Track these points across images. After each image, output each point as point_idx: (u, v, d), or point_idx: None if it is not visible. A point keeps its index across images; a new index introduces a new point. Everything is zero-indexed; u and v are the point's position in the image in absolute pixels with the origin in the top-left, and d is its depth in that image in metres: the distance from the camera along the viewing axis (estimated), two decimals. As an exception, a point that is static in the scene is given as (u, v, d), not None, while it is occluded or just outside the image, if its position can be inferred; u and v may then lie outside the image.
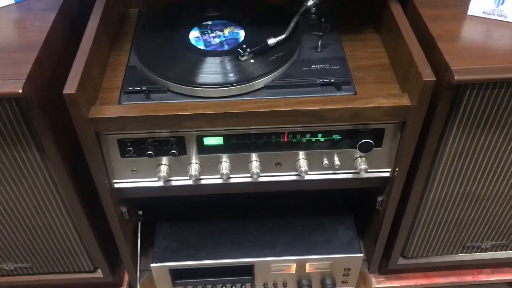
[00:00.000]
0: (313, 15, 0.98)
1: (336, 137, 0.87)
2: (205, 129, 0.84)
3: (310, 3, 0.95)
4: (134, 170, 0.89)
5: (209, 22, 0.96)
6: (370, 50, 0.96)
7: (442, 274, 1.20)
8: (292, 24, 0.92)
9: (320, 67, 0.89)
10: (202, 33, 0.94)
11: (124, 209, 0.99)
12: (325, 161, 0.91)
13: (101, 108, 0.80)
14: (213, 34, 0.94)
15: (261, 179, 0.92)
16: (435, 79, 0.75)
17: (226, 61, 0.87)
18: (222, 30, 0.94)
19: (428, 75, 0.75)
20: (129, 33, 1.00)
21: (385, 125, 0.86)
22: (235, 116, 0.80)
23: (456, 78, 0.73)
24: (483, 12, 0.85)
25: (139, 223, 1.12)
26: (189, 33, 0.93)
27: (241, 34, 0.94)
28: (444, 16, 0.86)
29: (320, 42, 0.93)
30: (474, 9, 0.85)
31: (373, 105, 0.81)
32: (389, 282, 1.19)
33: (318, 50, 0.93)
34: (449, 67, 0.75)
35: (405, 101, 0.81)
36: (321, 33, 0.92)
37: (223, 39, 0.92)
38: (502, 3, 0.83)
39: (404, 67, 0.84)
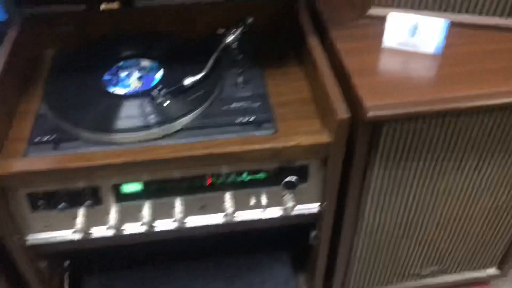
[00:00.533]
0: (235, 50, 0.96)
1: (261, 175, 0.85)
2: (122, 178, 0.80)
3: (230, 38, 0.94)
4: (48, 225, 0.83)
5: (125, 62, 0.93)
6: (293, 84, 0.94)
7: (385, 303, 1.18)
8: (211, 62, 0.90)
9: (241, 105, 0.86)
10: (116, 75, 0.90)
11: (44, 264, 0.93)
12: (252, 200, 0.88)
13: (2, 164, 0.75)
14: (128, 76, 0.90)
15: (186, 223, 0.88)
16: (349, 116, 0.73)
17: (140, 104, 0.83)
18: (138, 71, 0.91)
19: (342, 112, 0.74)
20: (42, 77, 0.95)
21: (308, 162, 0.84)
22: (150, 164, 0.77)
23: (368, 115, 0.72)
24: (397, 44, 0.85)
25: (67, 274, 1.06)
26: (102, 75, 0.89)
27: (159, 73, 0.90)
28: (360, 49, 0.86)
29: (241, 79, 0.91)
30: (389, 41, 0.85)
31: (293, 143, 0.79)
32: (332, 315, 1.16)
33: (240, 87, 0.91)
34: (362, 104, 0.74)
35: (324, 138, 0.79)
36: (240, 70, 0.90)
37: (139, 80, 0.89)
38: (415, 34, 0.83)
39: (323, 103, 0.82)
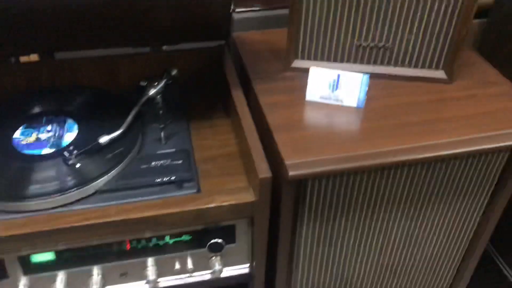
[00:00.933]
0: (159, 103, 0.92)
1: (185, 238, 0.80)
2: (31, 250, 0.73)
3: (153, 91, 0.90)
4: None
5: (39, 119, 0.87)
6: (220, 137, 0.91)
7: None
8: (130, 117, 0.85)
9: (162, 163, 0.82)
10: (25, 134, 0.83)
11: None
12: (177, 265, 0.82)
13: None
14: (38, 135, 0.84)
15: (106, 293, 0.82)
16: (270, 175, 0.70)
17: (51, 166, 0.77)
18: (52, 128, 0.85)
19: (263, 171, 0.71)
20: None
21: (235, 221, 0.80)
22: (58, 233, 0.70)
23: (290, 173, 0.70)
24: (320, 97, 0.84)
25: None
26: (12, 135, 0.83)
27: (75, 131, 0.85)
28: (284, 103, 0.84)
29: (162, 134, 0.86)
30: (311, 95, 0.84)
31: (215, 204, 0.75)
32: None
33: (162, 143, 0.87)
34: (284, 162, 0.71)
35: (249, 196, 0.76)
36: (163, 124, 0.86)
37: (51, 139, 0.83)
38: (337, 88, 0.82)
39: (247, 159, 0.79)
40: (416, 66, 0.90)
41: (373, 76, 0.87)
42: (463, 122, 0.80)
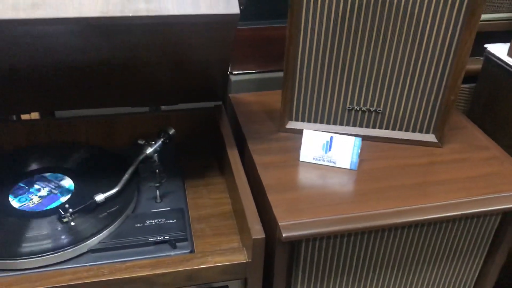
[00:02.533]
0: (155, 162, 0.93)
1: (178, 298, 0.79)
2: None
3: (150, 150, 0.92)
4: None
5: (36, 176, 0.88)
6: (214, 196, 0.92)
7: None
8: (126, 176, 0.86)
9: (155, 222, 0.82)
10: (23, 191, 0.84)
11: None
12: (168, 327, 0.81)
13: None
14: (36, 191, 0.84)
15: None
16: (264, 237, 0.71)
17: (45, 224, 0.78)
18: (48, 186, 0.86)
19: (256, 232, 0.71)
20: None
21: (228, 283, 0.79)
22: (49, 292, 0.70)
23: (284, 235, 0.70)
24: (313, 159, 0.86)
25: None
26: (8, 191, 0.84)
27: (70, 188, 0.86)
28: (278, 163, 0.86)
29: (158, 193, 0.87)
30: (305, 156, 0.86)
31: (208, 265, 0.74)
32: None
33: (158, 201, 0.87)
34: (278, 223, 0.72)
35: (242, 257, 0.76)
36: (159, 183, 0.87)
37: (46, 196, 0.83)
38: (330, 149, 0.84)
39: (241, 219, 0.80)
40: (407, 130, 0.92)
41: (365, 138, 0.90)
42: (453, 185, 0.82)
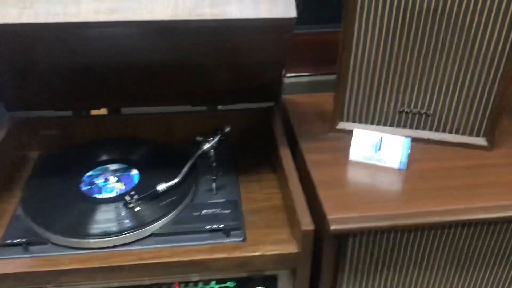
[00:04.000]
0: (212, 157, 0.99)
1: (230, 284, 0.84)
2: (89, 283, 0.79)
3: (207, 146, 0.98)
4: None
5: (104, 167, 0.96)
6: (266, 191, 0.97)
7: None
8: (185, 168, 0.93)
9: (211, 211, 0.88)
10: (93, 179, 0.93)
11: None
12: (221, 310, 0.86)
13: (-33, 266, 0.75)
14: (105, 180, 0.93)
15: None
16: (313, 228, 0.75)
17: (112, 209, 0.85)
18: (116, 175, 0.94)
19: (306, 224, 0.76)
20: (24, 178, 0.98)
21: (277, 271, 0.84)
22: (114, 270, 0.77)
23: (332, 228, 0.74)
24: (363, 158, 0.89)
25: None
26: (80, 179, 0.92)
27: (135, 178, 0.93)
28: (328, 162, 0.89)
29: (214, 185, 0.93)
30: (354, 155, 0.89)
31: (260, 253, 0.79)
32: None
33: (214, 193, 0.93)
34: (326, 217, 0.75)
35: (292, 248, 0.80)
36: (215, 176, 0.93)
37: (114, 185, 0.91)
38: (379, 149, 0.87)
39: (291, 212, 0.84)
40: (457, 133, 0.94)
41: (414, 140, 0.92)
42: (501, 188, 0.83)
